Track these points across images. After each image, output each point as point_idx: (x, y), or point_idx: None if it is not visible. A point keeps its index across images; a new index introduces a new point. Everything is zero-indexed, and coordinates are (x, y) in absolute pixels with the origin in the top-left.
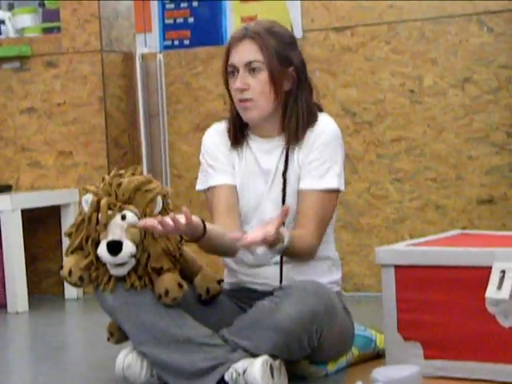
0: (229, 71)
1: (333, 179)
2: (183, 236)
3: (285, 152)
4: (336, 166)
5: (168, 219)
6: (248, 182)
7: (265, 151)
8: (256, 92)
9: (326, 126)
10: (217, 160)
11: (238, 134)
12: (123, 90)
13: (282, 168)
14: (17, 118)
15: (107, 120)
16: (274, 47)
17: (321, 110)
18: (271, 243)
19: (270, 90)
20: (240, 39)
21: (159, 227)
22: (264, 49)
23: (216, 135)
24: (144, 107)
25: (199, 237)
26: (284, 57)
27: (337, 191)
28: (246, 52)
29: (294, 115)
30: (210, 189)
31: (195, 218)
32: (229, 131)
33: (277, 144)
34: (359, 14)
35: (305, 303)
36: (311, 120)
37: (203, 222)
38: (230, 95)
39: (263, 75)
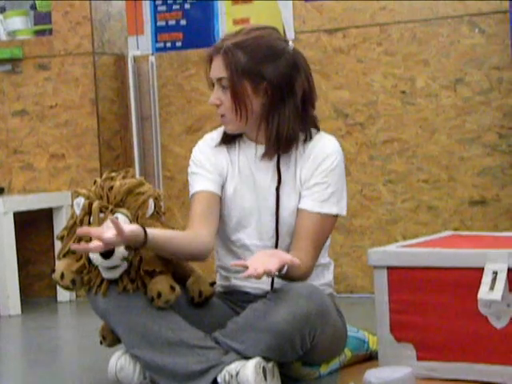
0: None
1: (334, 205)
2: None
3: (276, 167)
4: (339, 191)
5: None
6: (242, 188)
7: (258, 157)
8: (226, 108)
9: (333, 150)
10: (202, 167)
11: (230, 136)
12: (115, 92)
13: (276, 176)
14: (9, 121)
15: (99, 122)
16: (241, 63)
17: (317, 127)
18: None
19: (235, 106)
20: (214, 53)
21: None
22: (229, 66)
23: (204, 145)
24: (136, 109)
25: (142, 243)
26: (254, 72)
27: (336, 216)
28: (216, 68)
29: (270, 129)
30: (192, 195)
31: (130, 227)
32: (224, 132)
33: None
34: (351, 16)
35: (298, 305)
36: (294, 133)
37: (144, 230)
38: None
39: (229, 92)
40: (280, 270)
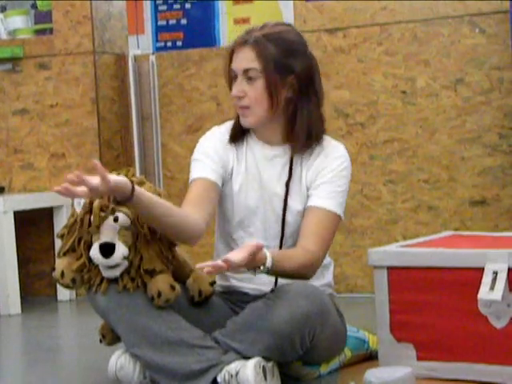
0: (232, 75)
1: (338, 205)
2: (113, 196)
3: (289, 161)
4: (343, 193)
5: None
6: (247, 186)
7: (267, 158)
8: (252, 100)
9: (342, 153)
10: (206, 155)
11: (239, 132)
12: (116, 91)
13: (284, 177)
14: (9, 120)
15: (100, 122)
16: (272, 55)
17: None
18: (250, 267)
19: (265, 98)
20: (240, 45)
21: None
22: (261, 57)
23: (214, 137)
24: (136, 109)
25: (128, 197)
26: (284, 65)
27: (339, 217)
28: (244, 59)
29: (299, 124)
30: (191, 182)
31: (117, 178)
32: (231, 129)
33: (280, 152)
34: (352, 16)
35: (298, 305)
36: (317, 131)
37: (132, 184)
38: None
39: (259, 83)
40: (258, 261)
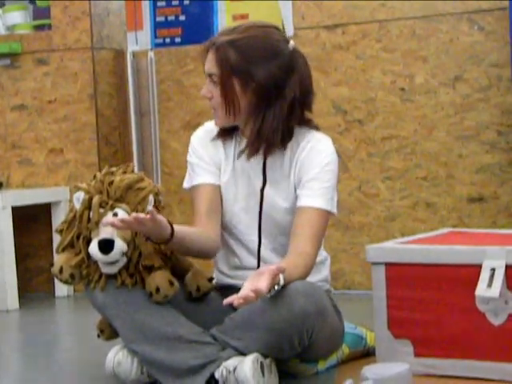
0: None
1: (327, 201)
2: (150, 237)
3: (262, 168)
4: (331, 188)
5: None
6: (236, 181)
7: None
8: (216, 102)
9: (325, 147)
10: (201, 159)
11: (226, 130)
12: (114, 87)
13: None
14: (7, 116)
15: (98, 117)
16: (230, 62)
17: (317, 129)
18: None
19: (224, 103)
20: (207, 49)
21: (119, 223)
22: (219, 63)
23: (203, 135)
24: (135, 105)
25: (167, 239)
26: (243, 72)
27: (329, 213)
28: (208, 63)
29: (256, 129)
30: (193, 187)
31: (161, 218)
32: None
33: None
34: (350, 12)
35: (296, 304)
36: (283, 136)
37: (171, 225)
38: None
39: (219, 88)
40: (274, 283)
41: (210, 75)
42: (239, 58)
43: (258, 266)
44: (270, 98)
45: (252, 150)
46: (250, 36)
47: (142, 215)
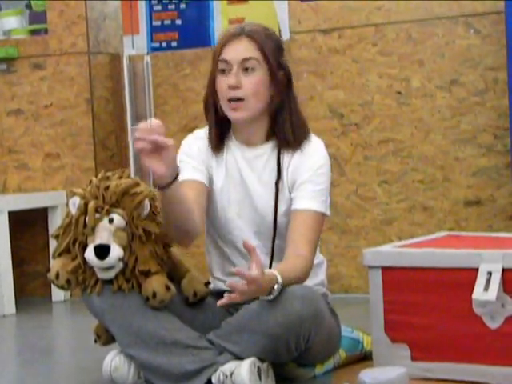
0: (219, 68)
1: (320, 203)
2: (155, 177)
3: (276, 159)
4: (324, 191)
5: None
6: (229, 188)
7: (247, 159)
8: (248, 92)
9: (318, 148)
10: (192, 158)
11: (219, 140)
12: (110, 91)
13: (265, 178)
14: (4, 120)
15: (94, 122)
16: (269, 48)
17: (309, 131)
18: (265, 291)
19: (263, 91)
20: (237, 35)
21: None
22: (262, 48)
23: (194, 141)
24: (131, 109)
25: (169, 183)
26: (277, 60)
27: (324, 215)
28: (243, 49)
29: (288, 121)
30: (181, 182)
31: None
32: (209, 138)
33: (260, 152)
34: (346, 16)
35: (292, 308)
36: (305, 129)
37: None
38: (213, 95)
39: (257, 75)
40: (274, 282)
41: (244, 61)
42: (275, 46)
43: None
44: (292, 89)
45: (289, 141)
46: (268, 28)
47: (162, 138)
